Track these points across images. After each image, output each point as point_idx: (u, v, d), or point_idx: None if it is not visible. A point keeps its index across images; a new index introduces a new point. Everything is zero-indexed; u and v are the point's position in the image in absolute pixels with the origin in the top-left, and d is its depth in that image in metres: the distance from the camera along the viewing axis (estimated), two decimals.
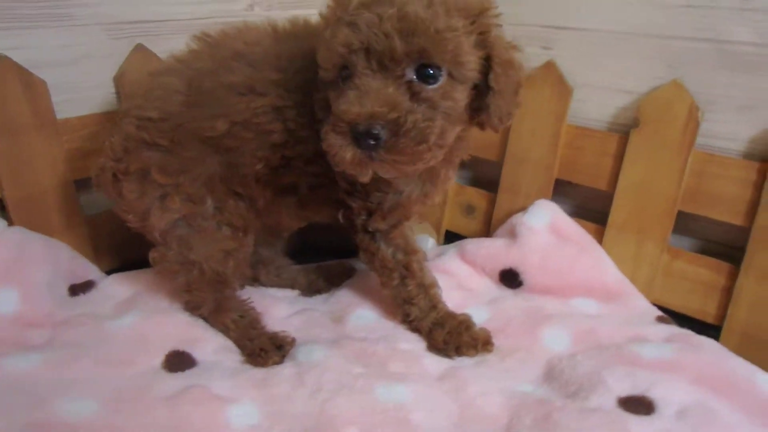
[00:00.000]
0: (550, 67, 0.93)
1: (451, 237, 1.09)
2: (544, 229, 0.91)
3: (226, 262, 0.73)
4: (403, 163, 0.56)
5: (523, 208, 0.96)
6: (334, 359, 0.71)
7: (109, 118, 0.89)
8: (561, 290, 0.86)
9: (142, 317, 0.75)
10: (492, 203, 1.04)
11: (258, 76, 0.68)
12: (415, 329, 0.78)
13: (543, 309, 0.83)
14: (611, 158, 0.91)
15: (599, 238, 0.93)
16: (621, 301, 0.85)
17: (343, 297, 0.85)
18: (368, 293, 0.85)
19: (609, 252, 0.91)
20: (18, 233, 0.80)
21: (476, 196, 1.07)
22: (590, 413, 0.62)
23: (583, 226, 0.94)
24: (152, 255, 0.74)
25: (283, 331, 0.77)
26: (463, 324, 0.76)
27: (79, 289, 0.82)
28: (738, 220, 0.81)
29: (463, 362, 0.73)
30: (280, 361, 0.72)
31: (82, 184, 0.89)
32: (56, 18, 0.85)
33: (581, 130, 0.93)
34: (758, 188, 0.78)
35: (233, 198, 0.73)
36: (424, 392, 0.66)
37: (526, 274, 0.88)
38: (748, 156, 0.81)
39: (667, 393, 0.64)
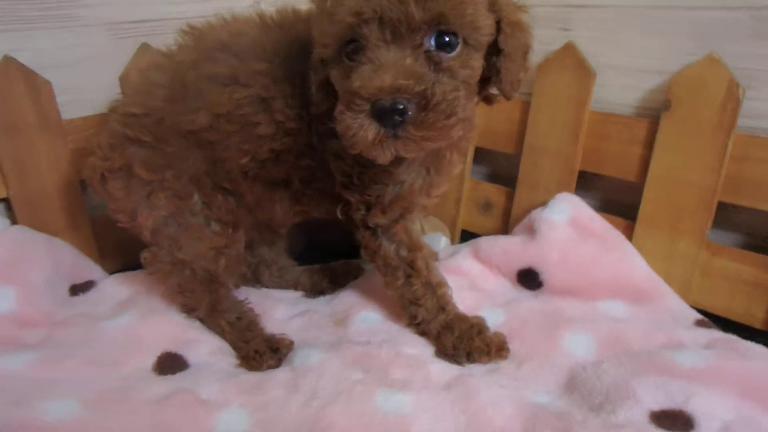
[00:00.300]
0: (569, 49, 0.84)
1: (467, 236, 1.00)
2: (565, 223, 0.81)
3: (217, 261, 0.69)
4: (430, 140, 0.51)
5: (544, 203, 0.87)
6: (332, 364, 0.64)
7: None
8: (585, 291, 0.77)
9: (138, 318, 0.71)
10: (510, 199, 0.95)
11: (242, 67, 0.63)
12: (423, 332, 0.70)
13: (564, 311, 0.74)
14: (640, 146, 0.81)
15: (628, 234, 0.83)
16: (653, 303, 0.75)
17: (347, 298, 0.78)
18: (374, 294, 0.77)
19: (640, 249, 0.81)
20: (20, 232, 0.78)
21: (493, 192, 0.98)
22: (617, 429, 0.53)
23: (611, 222, 0.84)
24: (144, 255, 0.71)
25: (282, 334, 0.71)
26: (475, 327, 0.68)
27: (79, 289, 0.79)
28: None
29: (474, 369, 0.65)
30: (276, 365, 0.67)
31: (87, 185, 0.86)
32: (60, 19, 0.83)
33: (606, 116, 0.84)
34: None
35: (221, 193, 0.68)
36: (428, 402, 0.58)
37: (546, 274, 0.79)
38: None
39: (708, 407, 0.54)
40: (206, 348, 0.69)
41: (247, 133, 0.64)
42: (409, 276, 0.69)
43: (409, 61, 0.50)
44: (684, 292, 0.77)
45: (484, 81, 0.58)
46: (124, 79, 0.88)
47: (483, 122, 0.96)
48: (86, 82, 0.87)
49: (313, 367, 0.63)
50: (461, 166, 0.73)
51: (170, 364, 0.65)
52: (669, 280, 0.78)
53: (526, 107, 0.90)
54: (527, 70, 0.60)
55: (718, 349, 0.62)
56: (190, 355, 0.67)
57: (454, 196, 1.01)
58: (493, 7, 0.54)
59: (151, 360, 0.66)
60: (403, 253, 0.69)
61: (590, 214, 0.83)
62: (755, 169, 0.72)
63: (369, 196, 0.66)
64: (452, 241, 1.00)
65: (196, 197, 0.67)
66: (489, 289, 0.81)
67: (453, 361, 0.67)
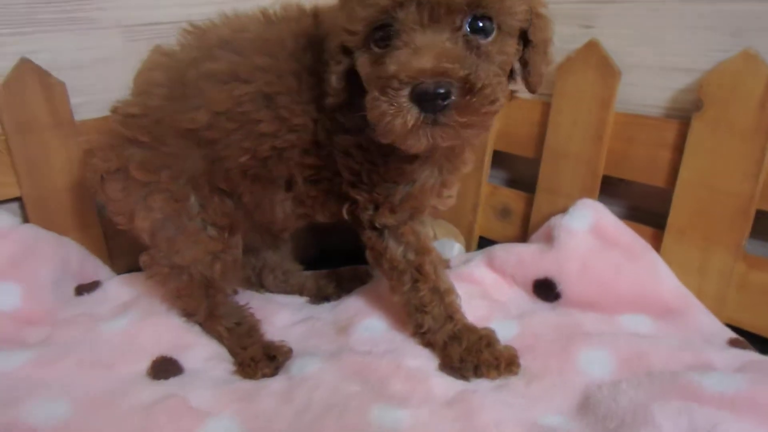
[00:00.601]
0: (592, 47, 0.79)
1: (485, 244, 0.95)
2: (586, 231, 0.76)
3: (213, 266, 0.66)
4: (470, 127, 0.48)
5: (565, 210, 0.82)
6: (329, 375, 0.61)
7: None
8: (606, 304, 0.71)
9: (137, 320, 0.70)
10: (530, 205, 0.90)
11: (243, 63, 0.61)
12: (428, 343, 0.66)
13: (582, 325, 0.68)
14: (669, 149, 0.75)
15: (657, 244, 0.76)
16: (682, 319, 0.69)
17: (352, 305, 0.75)
18: (379, 301, 0.74)
19: (670, 261, 0.74)
20: (29, 230, 0.78)
21: (512, 198, 0.93)
22: None
23: (638, 231, 0.78)
24: (142, 258, 0.69)
25: (281, 341, 0.68)
26: (485, 339, 0.64)
27: (84, 289, 0.79)
28: None
29: (481, 385, 0.61)
30: (272, 374, 0.64)
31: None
32: (76, 21, 0.84)
33: (632, 117, 0.78)
34: None
35: (218, 195, 0.66)
36: (427, 419, 0.54)
37: (564, 285, 0.73)
38: None
39: None
40: (203, 353, 0.67)
41: (247, 130, 0.62)
42: (416, 281, 0.65)
43: (448, 44, 0.48)
44: (717, 308, 0.71)
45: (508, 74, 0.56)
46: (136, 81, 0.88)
47: (501, 124, 0.91)
48: (100, 83, 0.87)
49: (309, 377, 0.60)
50: (472, 165, 0.69)
51: (165, 368, 0.63)
52: (701, 294, 0.71)
53: (546, 109, 0.85)
54: (549, 64, 0.58)
55: (753, 373, 0.55)
56: (186, 361, 0.65)
57: (471, 202, 0.96)
58: (536, 11, 0.53)
59: (145, 364, 0.64)
60: (411, 256, 0.65)
61: (614, 221, 0.77)
62: None
63: (378, 194, 0.62)
64: (469, 249, 0.96)
65: (193, 199, 0.65)
66: (503, 300, 0.76)
67: (458, 375, 0.62)
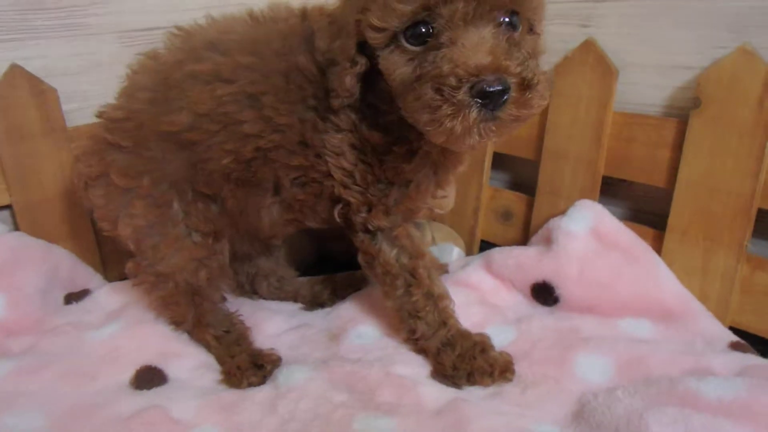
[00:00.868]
0: (589, 46, 0.79)
1: (487, 248, 0.95)
2: (585, 233, 0.75)
3: (198, 273, 0.66)
4: (522, 120, 0.50)
5: (565, 212, 0.81)
6: (316, 384, 0.60)
7: None
8: (606, 308, 0.71)
9: (124, 328, 0.70)
10: (531, 208, 0.90)
11: (226, 62, 0.61)
12: (421, 349, 0.66)
13: (580, 330, 0.68)
14: (668, 148, 0.74)
15: (658, 246, 0.76)
16: (683, 323, 0.68)
17: (345, 312, 0.74)
18: (373, 307, 0.73)
19: (671, 262, 0.74)
20: (16, 238, 0.78)
21: (513, 200, 0.93)
22: None
23: (640, 232, 0.77)
24: (128, 266, 0.69)
25: (271, 349, 0.68)
26: (479, 346, 0.64)
27: (73, 297, 0.79)
28: None
29: (473, 393, 0.60)
30: (259, 383, 0.64)
31: None
32: (70, 27, 0.85)
33: (630, 117, 0.78)
34: None
35: (201, 200, 0.66)
36: (414, 428, 0.54)
37: (563, 289, 0.73)
38: None
39: None
40: (190, 363, 0.67)
41: (230, 132, 0.61)
42: (409, 285, 0.65)
43: (495, 40, 0.48)
44: (720, 311, 0.70)
45: None
46: None
47: None
48: (94, 89, 0.88)
49: (296, 387, 0.60)
50: (468, 163, 0.68)
51: (148, 378, 0.63)
52: (703, 297, 0.71)
53: (545, 109, 0.85)
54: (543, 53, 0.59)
55: (752, 378, 0.54)
56: (171, 370, 0.65)
57: (472, 205, 0.96)
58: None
59: (129, 373, 0.64)
60: (404, 260, 0.65)
61: (613, 223, 0.77)
62: None
63: (372, 195, 0.62)
64: (470, 253, 0.96)
65: (176, 205, 0.65)
66: (501, 305, 0.75)
67: (451, 383, 0.62)
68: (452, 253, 0.89)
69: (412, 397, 0.58)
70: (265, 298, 0.82)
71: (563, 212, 0.82)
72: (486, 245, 0.96)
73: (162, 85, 0.63)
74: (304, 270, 0.88)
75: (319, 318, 0.76)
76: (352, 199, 0.63)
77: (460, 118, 0.47)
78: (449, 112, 0.47)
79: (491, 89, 0.46)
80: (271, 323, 0.74)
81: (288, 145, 0.62)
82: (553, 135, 0.84)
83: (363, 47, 0.54)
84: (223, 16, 0.66)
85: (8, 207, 0.82)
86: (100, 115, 0.68)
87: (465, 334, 0.65)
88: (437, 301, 0.65)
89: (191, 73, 0.61)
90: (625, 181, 0.81)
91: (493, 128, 0.48)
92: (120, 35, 0.89)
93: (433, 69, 0.48)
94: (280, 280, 0.83)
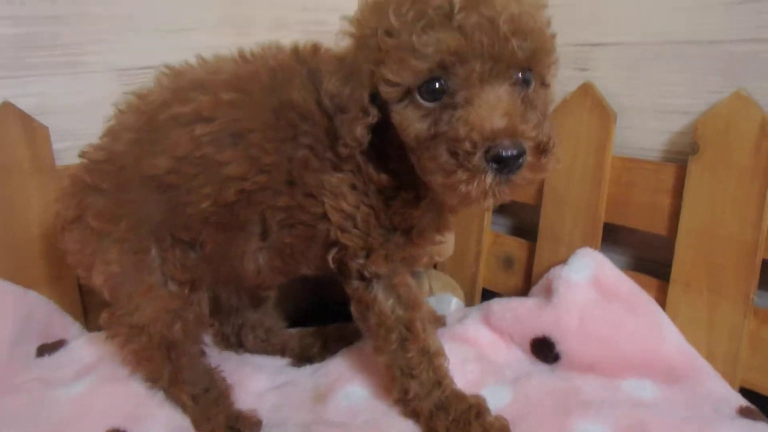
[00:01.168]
0: (587, 89, 0.79)
1: (488, 295, 0.95)
2: (586, 284, 0.74)
3: (173, 325, 0.64)
4: (534, 182, 0.51)
5: (566, 259, 0.80)
6: None
7: None
8: (607, 365, 0.69)
9: (94, 386, 0.68)
10: (533, 254, 0.89)
11: (207, 100, 0.60)
12: (413, 412, 0.64)
13: (581, 391, 0.66)
14: (668, 194, 0.74)
15: (662, 297, 0.74)
16: (688, 383, 0.66)
17: (334, 369, 0.73)
18: (365, 365, 0.72)
19: (675, 315, 0.72)
20: None
21: (515, 246, 0.92)
22: None
23: (643, 282, 0.76)
24: (102, 317, 0.67)
25: (251, 411, 0.66)
26: (474, 409, 0.62)
27: (47, 349, 0.77)
28: None
29: None
30: None
31: None
32: (66, 65, 0.86)
33: (629, 161, 0.78)
34: None
35: (180, 246, 0.64)
36: None
37: (564, 344, 0.72)
38: None
39: None
40: (161, 426, 0.64)
41: (210, 174, 0.60)
42: (404, 340, 0.63)
43: (511, 100, 0.49)
44: (728, 369, 0.68)
45: None
46: None
47: None
48: (86, 127, 0.85)
49: None
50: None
51: None
52: (710, 353, 0.69)
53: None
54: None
55: None
56: None
57: (473, 251, 0.96)
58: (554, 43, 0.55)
59: None
60: (400, 311, 0.63)
61: (615, 273, 0.76)
62: None
63: (374, 240, 0.61)
64: (472, 301, 0.95)
65: (153, 252, 0.63)
66: (499, 361, 0.74)
67: None
68: (450, 303, 0.88)
69: None
70: (251, 352, 0.81)
71: (564, 259, 0.81)
72: (487, 293, 0.96)
73: (146, 127, 0.62)
74: (295, 319, 0.87)
75: (306, 375, 0.74)
76: (350, 243, 0.61)
77: (475, 183, 0.47)
78: (464, 178, 0.47)
79: (507, 154, 0.46)
80: (255, 380, 0.73)
81: (274, 186, 0.60)
82: (553, 179, 0.84)
83: (375, 97, 0.54)
84: (214, 56, 0.66)
85: None
86: (82, 155, 0.67)
87: (460, 396, 0.63)
88: (432, 358, 0.64)
89: (174, 116, 0.61)
90: (626, 227, 0.80)
91: (507, 190, 0.49)
92: (117, 73, 0.90)
93: (448, 130, 0.49)
94: (267, 332, 0.81)
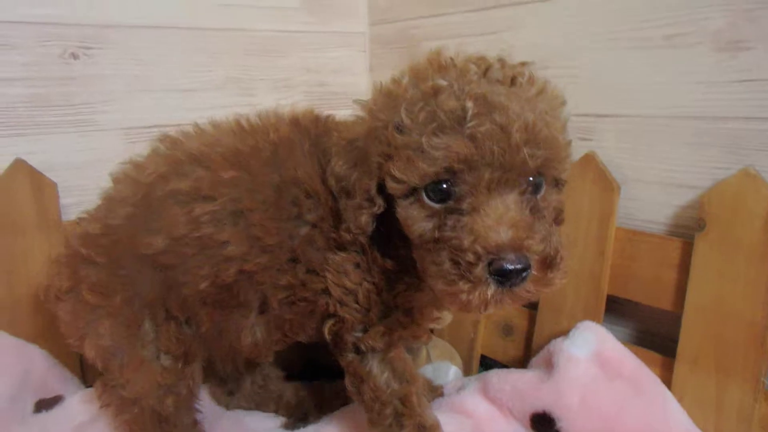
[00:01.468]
0: (590, 160, 0.81)
1: (487, 363, 0.93)
2: (588, 359, 0.73)
3: (164, 400, 0.64)
4: (542, 293, 0.49)
5: (568, 331, 0.79)
6: None
7: None
8: None
9: None
10: (533, 323, 0.88)
11: (206, 177, 0.60)
12: None
13: None
14: (674, 269, 0.74)
15: (667, 374, 0.73)
16: None
17: None
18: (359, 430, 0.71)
19: (682, 395, 0.71)
20: None
21: (514, 315, 0.91)
22: None
23: (647, 358, 0.75)
24: (95, 386, 0.68)
25: None
26: None
27: (44, 405, 0.78)
28: None
29: None
30: None
31: None
32: (76, 124, 0.91)
33: (634, 234, 0.78)
34: None
35: (174, 321, 0.64)
36: None
37: (565, 422, 0.70)
38: None
39: None
40: None
41: (207, 254, 0.60)
42: (399, 414, 0.62)
43: (518, 211, 0.48)
44: None
45: None
46: None
47: None
48: (93, 184, 0.88)
49: None
50: None
51: None
52: None
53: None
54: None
55: None
56: None
57: (472, 318, 0.95)
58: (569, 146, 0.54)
59: None
60: (396, 385, 0.63)
61: (618, 348, 0.75)
62: None
63: (374, 315, 0.60)
64: (470, 368, 0.93)
65: (146, 326, 0.63)
66: None
67: None
68: (449, 372, 0.87)
69: None
70: (246, 400, 0.80)
71: (566, 330, 0.80)
72: (486, 360, 0.94)
73: (142, 202, 0.62)
74: (292, 374, 0.86)
75: None
76: (347, 317, 0.61)
77: (476, 294, 0.46)
78: (465, 288, 0.47)
79: (510, 268, 0.46)
80: None
81: (276, 265, 0.60)
82: None
83: (382, 187, 0.53)
84: (211, 124, 0.66)
85: None
86: (78, 221, 0.68)
87: None
88: None
89: (171, 192, 0.61)
90: (630, 300, 0.80)
91: (510, 301, 0.48)
92: (125, 132, 0.95)
93: (452, 237, 0.48)
94: (265, 379, 0.81)
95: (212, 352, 0.68)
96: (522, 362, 0.88)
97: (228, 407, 0.82)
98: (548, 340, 0.82)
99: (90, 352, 0.65)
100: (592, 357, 0.74)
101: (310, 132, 0.62)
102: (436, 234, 0.50)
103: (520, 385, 0.75)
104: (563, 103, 0.55)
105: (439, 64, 0.53)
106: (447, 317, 0.90)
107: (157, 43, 0.96)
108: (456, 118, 0.48)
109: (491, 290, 0.46)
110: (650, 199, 0.79)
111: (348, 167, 0.54)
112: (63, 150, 0.90)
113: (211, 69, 1.02)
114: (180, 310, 0.63)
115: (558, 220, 0.57)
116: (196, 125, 0.67)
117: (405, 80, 0.53)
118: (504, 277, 0.46)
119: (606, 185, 0.79)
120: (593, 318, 0.80)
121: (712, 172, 0.72)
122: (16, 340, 0.80)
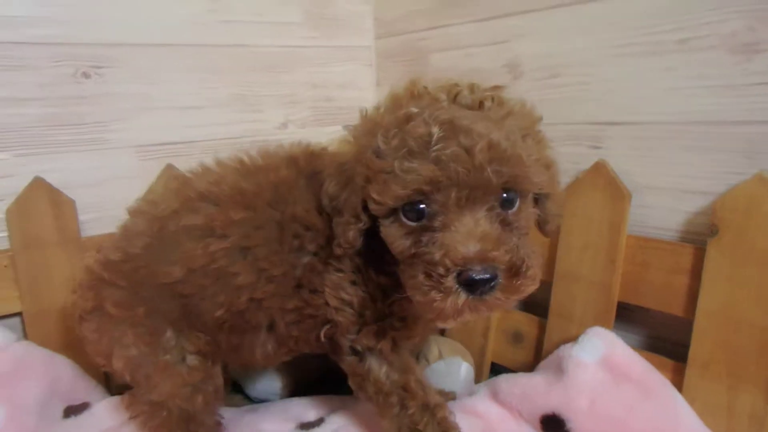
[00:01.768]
0: (600, 168, 0.83)
1: (497, 369, 0.95)
2: (596, 364, 0.75)
3: (194, 398, 0.68)
4: (512, 301, 0.54)
5: (577, 338, 0.81)
6: None
7: None
8: None
9: None
10: (543, 330, 0.90)
11: (219, 216, 0.66)
12: None
13: None
14: (686, 275, 0.75)
15: (678, 379, 0.74)
16: None
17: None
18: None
19: (693, 399, 0.72)
20: (21, 348, 0.83)
21: (524, 322, 0.93)
22: None
23: (659, 363, 0.76)
24: (123, 398, 0.73)
25: None
26: None
27: (72, 411, 0.82)
28: None
29: None
30: None
31: None
32: (90, 143, 0.95)
33: (645, 241, 0.80)
34: None
35: (196, 331, 0.69)
36: None
37: (574, 423, 0.72)
38: None
39: None
40: None
41: (222, 284, 0.66)
42: (403, 400, 0.67)
43: (487, 225, 0.52)
44: None
45: None
46: None
47: None
48: (110, 200, 0.96)
49: None
50: None
51: None
52: None
53: (556, 230, 0.87)
54: (561, 205, 0.64)
55: None
56: None
57: (482, 325, 0.97)
58: (548, 164, 0.59)
59: None
60: (395, 376, 0.67)
61: (627, 353, 0.76)
62: None
63: (367, 318, 0.65)
64: (481, 374, 0.95)
65: (169, 333, 0.68)
66: None
67: None
68: (461, 368, 0.89)
69: None
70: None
71: (575, 337, 0.82)
72: (496, 367, 0.96)
73: (158, 234, 0.68)
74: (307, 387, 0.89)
75: None
76: (342, 320, 0.66)
77: (448, 302, 0.51)
78: (438, 298, 0.51)
79: (477, 277, 0.50)
80: None
81: (282, 292, 0.66)
82: (565, 257, 0.86)
83: (367, 206, 0.58)
84: (216, 163, 0.72)
85: (19, 314, 0.88)
86: (99, 249, 0.73)
87: None
88: (435, 411, 0.67)
89: (185, 227, 0.66)
90: (641, 306, 0.81)
91: (483, 306, 0.52)
92: (137, 149, 0.99)
93: (426, 252, 0.53)
94: None
95: (229, 362, 0.74)
96: (532, 370, 0.88)
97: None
98: (557, 348, 0.84)
99: (118, 365, 0.69)
100: (600, 362, 0.75)
101: (305, 168, 0.68)
102: (413, 250, 0.54)
103: (529, 388, 0.77)
104: (537, 120, 0.59)
105: (412, 93, 0.59)
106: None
107: (162, 60, 0.98)
108: (424, 143, 0.53)
109: (461, 299, 0.51)
110: (662, 206, 0.80)
111: (339, 188, 0.60)
112: (78, 168, 0.93)
113: (218, 86, 1.04)
114: (200, 331, 0.69)
115: (529, 231, 0.59)
116: (202, 164, 0.72)
117: (383, 108, 0.59)
118: (472, 287, 0.50)
119: (617, 193, 0.81)
120: (604, 325, 0.81)
121: (725, 177, 0.72)
122: (44, 351, 0.85)
